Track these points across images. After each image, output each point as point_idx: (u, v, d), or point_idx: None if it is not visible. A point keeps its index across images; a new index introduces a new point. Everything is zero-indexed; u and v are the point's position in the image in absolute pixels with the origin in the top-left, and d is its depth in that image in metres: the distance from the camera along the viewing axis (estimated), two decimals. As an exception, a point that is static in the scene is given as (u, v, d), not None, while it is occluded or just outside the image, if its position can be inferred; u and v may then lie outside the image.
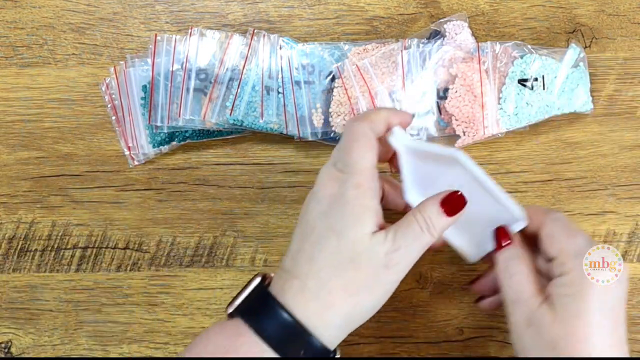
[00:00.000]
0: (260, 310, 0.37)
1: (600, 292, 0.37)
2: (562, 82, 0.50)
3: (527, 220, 0.41)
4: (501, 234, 0.41)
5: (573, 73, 0.50)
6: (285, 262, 0.39)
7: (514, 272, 0.40)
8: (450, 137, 0.51)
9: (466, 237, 0.43)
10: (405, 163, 0.42)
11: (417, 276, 0.52)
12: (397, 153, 0.42)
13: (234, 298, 0.39)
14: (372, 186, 0.38)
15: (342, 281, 0.36)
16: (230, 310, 0.38)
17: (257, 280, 0.39)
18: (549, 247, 0.40)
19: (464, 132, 0.50)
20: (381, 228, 0.38)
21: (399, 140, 0.42)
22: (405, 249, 0.37)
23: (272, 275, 0.40)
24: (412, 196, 0.42)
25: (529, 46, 0.50)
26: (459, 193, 0.38)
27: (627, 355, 0.37)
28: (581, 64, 0.50)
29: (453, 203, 0.38)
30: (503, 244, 0.41)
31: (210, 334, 0.37)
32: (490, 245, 0.42)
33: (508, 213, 0.42)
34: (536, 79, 0.49)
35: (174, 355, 0.52)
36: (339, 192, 0.37)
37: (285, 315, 0.36)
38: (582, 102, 0.50)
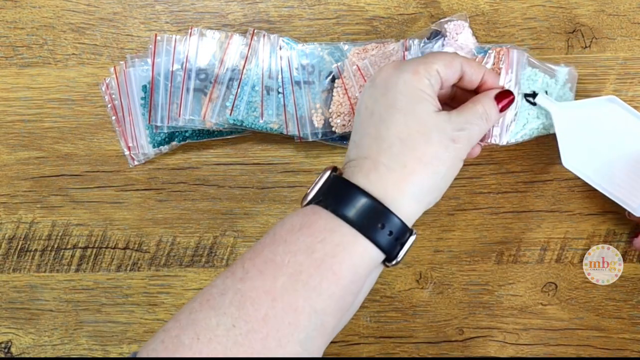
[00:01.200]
0: (335, 194, 0.37)
1: None
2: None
3: None
4: None
5: (564, 94, 0.49)
6: (349, 154, 0.39)
7: None
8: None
9: (627, 188, 0.43)
10: (559, 125, 0.43)
11: (417, 276, 0.52)
12: (550, 114, 0.44)
13: (306, 193, 0.38)
14: (432, 81, 0.39)
15: (416, 153, 0.37)
16: (304, 203, 0.38)
17: (327, 172, 0.39)
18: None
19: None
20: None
21: (547, 102, 0.44)
22: (468, 130, 0.39)
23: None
24: (571, 162, 0.44)
25: (530, 58, 0.48)
26: (507, 90, 0.42)
27: None
28: (569, 88, 0.49)
29: (504, 98, 0.41)
30: None
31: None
32: None
33: None
34: (536, 94, 0.47)
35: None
36: (396, 75, 0.38)
37: (359, 193, 0.36)
38: None
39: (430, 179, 0.37)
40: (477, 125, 0.40)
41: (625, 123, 0.43)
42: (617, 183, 0.43)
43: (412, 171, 0.37)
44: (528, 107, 0.47)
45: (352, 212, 0.35)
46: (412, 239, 0.38)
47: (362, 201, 0.36)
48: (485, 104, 0.40)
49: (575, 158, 0.44)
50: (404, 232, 0.37)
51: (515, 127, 0.48)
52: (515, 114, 0.46)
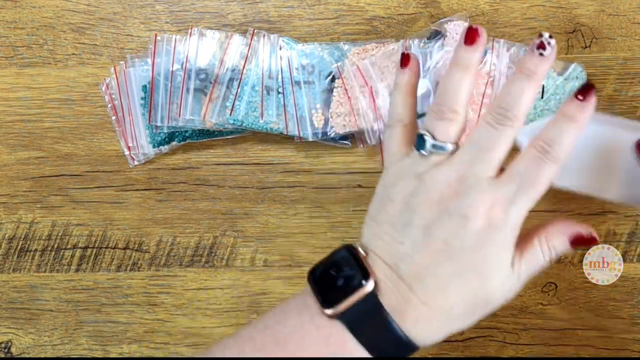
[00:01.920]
0: (378, 332, 0.33)
1: None
2: (558, 96, 0.49)
3: None
4: None
5: (571, 88, 0.49)
6: (400, 264, 0.34)
7: None
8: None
9: (623, 184, 0.41)
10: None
11: (417, 276, 0.52)
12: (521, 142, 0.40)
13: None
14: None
15: (470, 320, 0.34)
16: (331, 312, 0.33)
17: (370, 287, 0.33)
18: None
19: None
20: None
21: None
22: (525, 277, 0.35)
23: (370, 265, 0.35)
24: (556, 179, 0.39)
25: None
26: (592, 234, 0.36)
27: None
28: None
29: (584, 242, 0.36)
30: None
31: (306, 336, 0.34)
32: None
33: None
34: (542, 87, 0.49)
35: (174, 355, 0.52)
36: (497, 228, 0.33)
37: (409, 344, 0.33)
38: None
39: (460, 327, 0.35)
40: (538, 269, 0.35)
41: (595, 129, 0.40)
42: (615, 187, 0.42)
43: (453, 326, 0.34)
44: None
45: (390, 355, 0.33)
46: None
47: (406, 349, 0.33)
48: (554, 243, 0.35)
49: (562, 175, 0.39)
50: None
51: None
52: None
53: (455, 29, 0.51)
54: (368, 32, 0.52)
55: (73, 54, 0.53)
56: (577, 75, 0.50)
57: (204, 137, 0.52)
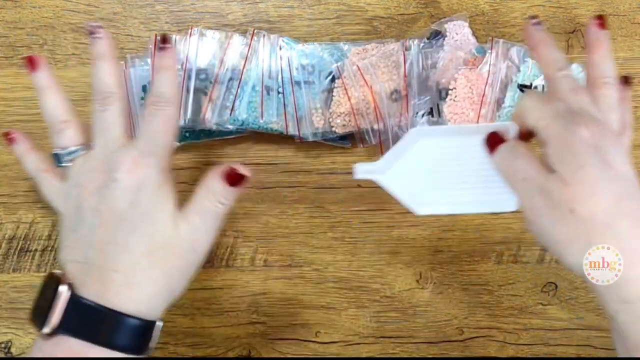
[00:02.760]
0: (96, 323, 0.36)
1: (588, 143, 0.35)
2: None
3: (514, 125, 0.39)
4: (492, 139, 0.39)
5: None
6: (88, 254, 0.37)
7: (516, 155, 0.37)
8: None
9: (492, 195, 0.41)
10: (389, 185, 0.42)
11: (417, 276, 0.52)
12: (378, 183, 0.42)
13: (39, 312, 0.36)
14: (170, 169, 0.39)
15: (161, 267, 0.37)
16: (47, 329, 0.35)
17: (64, 291, 0.36)
18: (528, 121, 0.38)
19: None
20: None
21: (364, 173, 0.42)
22: (204, 227, 0.38)
23: (63, 273, 0.37)
24: (424, 208, 0.42)
25: None
26: (237, 169, 0.38)
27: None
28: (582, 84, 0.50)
29: (234, 177, 0.38)
30: (496, 146, 0.39)
31: (48, 357, 0.36)
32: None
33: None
34: (535, 87, 0.49)
35: (174, 355, 0.52)
36: (147, 177, 0.38)
37: (135, 321, 0.36)
38: None
39: (174, 292, 0.38)
40: (211, 215, 0.38)
41: (444, 143, 0.42)
42: (480, 197, 0.42)
43: (160, 289, 0.37)
44: (520, 96, 0.48)
45: (127, 340, 0.36)
46: (157, 328, 0.38)
47: (130, 325, 0.36)
48: (213, 187, 0.38)
49: (425, 202, 0.42)
50: (148, 327, 0.37)
51: (506, 113, 0.49)
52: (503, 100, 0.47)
53: (456, 29, 0.51)
54: (368, 32, 0.52)
55: (73, 54, 0.53)
56: (576, 75, 0.50)
57: (204, 137, 0.52)
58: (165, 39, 0.40)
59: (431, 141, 0.42)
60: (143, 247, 0.37)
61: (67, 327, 0.35)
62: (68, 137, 0.41)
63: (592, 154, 0.35)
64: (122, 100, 0.40)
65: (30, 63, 0.42)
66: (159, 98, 0.39)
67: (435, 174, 0.42)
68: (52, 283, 0.36)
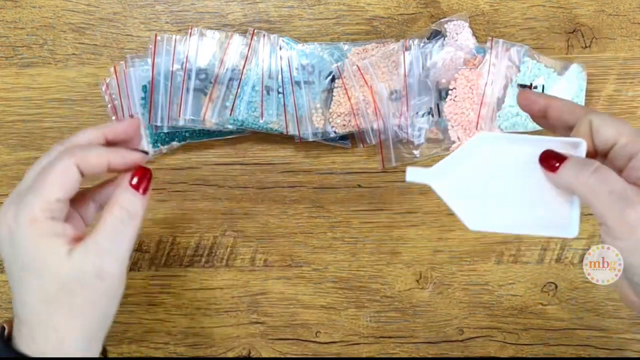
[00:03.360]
0: None
1: None
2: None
3: (584, 141, 0.36)
4: (548, 158, 0.36)
5: (571, 88, 0.50)
6: (14, 305, 0.36)
7: (592, 169, 0.34)
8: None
9: (551, 217, 0.39)
10: (443, 192, 0.39)
11: (417, 276, 0.52)
12: (433, 190, 0.38)
13: None
14: (55, 215, 0.35)
15: (62, 312, 0.34)
16: None
17: None
18: (605, 136, 0.35)
19: (458, 138, 0.50)
20: (79, 239, 0.35)
21: (420, 175, 0.38)
22: (115, 248, 0.35)
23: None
24: (479, 222, 0.39)
25: (536, 54, 0.50)
26: (140, 168, 0.36)
27: None
28: (583, 84, 0.50)
29: (140, 178, 0.35)
30: (556, 164, 0.36)
31: None
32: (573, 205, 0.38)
33: (567, 147, 0.37)
34: (535, 87, 0.49)
35: (174, 356, 0.52)
36: (16, 232, 0.34)
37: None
38: None
39: (89, 330, 0.35)
40: (122, 234, 0.35)
41: (508, 153, 0.39)
42: (539, 218, 0.39)
43: (66, 334, 0.35)
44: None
45: None
46: None
47: None
48: (120, 200, 0.35)
49: (481, 217, 0.39)
50: None
51: (506, 113, 0.49)
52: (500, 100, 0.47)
53: (456, 29, 0.51)
54: (368, 32, 0.52)
55: (73, 54, 0.53)
56: (577, 75, 0.50)
57: (204, 137, 0.52)
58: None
59: (496, 149, 0.39)
60: (36, 300, 0.34)
61: None
62: None
63: None
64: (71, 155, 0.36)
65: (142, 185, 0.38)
66: (64, 144, 0.36)
67: (496, 187, 0.39)
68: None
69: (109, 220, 0.35)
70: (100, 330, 0.36)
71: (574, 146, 0.37)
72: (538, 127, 0.50)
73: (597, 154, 0.36)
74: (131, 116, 0.41)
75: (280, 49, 0.50)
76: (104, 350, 0.39)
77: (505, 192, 0.39)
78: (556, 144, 0.37)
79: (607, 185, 0.33)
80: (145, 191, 0.36)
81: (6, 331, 0.36)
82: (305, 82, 0.50)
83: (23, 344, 0.35)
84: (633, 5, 0.51)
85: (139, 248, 0.52)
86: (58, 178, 0.34)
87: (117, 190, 0.36)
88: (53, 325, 0.34)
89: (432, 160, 0.51)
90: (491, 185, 0.39)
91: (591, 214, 0.51)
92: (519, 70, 0.49)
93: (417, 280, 0.52)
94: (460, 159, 0.39)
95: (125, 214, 0.35)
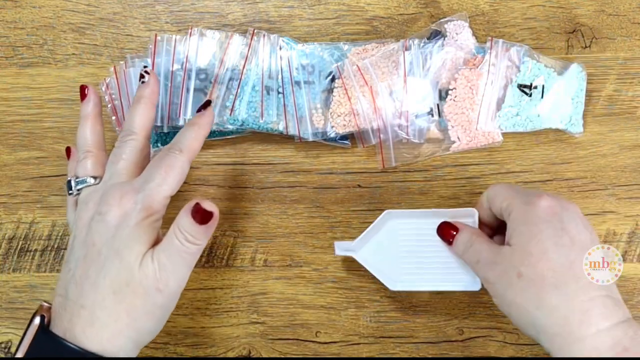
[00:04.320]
0: (58, 357, 0.36)
1: (546, 213, 0.38)
2: (557, 97, 0.49)
3: (476, 211, 0.45)
4: (445, 231, 0.45)
5: (571, 88, 0.50)
6: (69, 288, 0.38)
7: (472, 242, 0.43)
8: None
9: (459, 275, 0.47)
10: (366, 262, 0.48)
11: (417, 276, 0.52)
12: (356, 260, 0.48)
13: (17, 348, 0.38)
14: (160, 208, 0.39)
15: (125, 306, 0.37)
16: (19, 354, 0.37)
17: (37, 321, 0.38)
18: (495, 203, 0.42)
19: (458, 138, 0.50)
20: (159, 240, 0.39)
21: (342, 250, 0.48)
22: (171, 267, 0.37)
23: (50, 306, 0.39)
24: (399, 284, 0.48)
25: (536, 54, 0.50)
26: (203, 206, 0.37)
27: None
28: (583, 84, 0.50)
29: (201, 213, 0.37)
30: (451, 239, 0.44)
31: None
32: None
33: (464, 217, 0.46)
34: (535, 87, 0.49)
35: (174, 356, 0.52)
36: (128, 213, 0.38)
37: (81, 353, 0.36)
38: (574, 121, 0.50)
39: (139, 334, 0.38)
40: (181, 255, 0.38)
41: (414, 225, 0.47)
42: (448, 275, 0.47)
43: (123, 328, 0.37)
44: (520, 96, 0.48)
45: None
46: None
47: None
48: (182, 224, 0.38)
49: (397, 279, 0.48)
50: None
51: (506, 113, 0.49)
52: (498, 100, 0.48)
53: (456, 29, 0.51)
54: (368, 32, 0.52)
55: (73, 54, 0.53)
56: (577, 75, 0.50)
57: (204, 137, 0.52)
58: (206, 105, 0.43)
59: (400, 223, 0.47)
60: (108, 285, 0.37)
61: (33, 355, 0.36)
62: (84, 167, 0.42)
63: (549, 223, 0.38)
64: (141, 141, 0.42)
65: (81, 92, 0.44)
66: (176, 146, 0.40)
67: (406, 254, 0.48)
68: (35, 312, 0.38)
69: (172, 241, 0.38)
70: (147, 339, 0.38)
71: (470, 215, 0.46)
72: (538, 127, 0.50)
73: (497, 219, 0.44)
74: (146, 72, 0.44)
75: (280, 49, 0.50)
76: None
77: (416, 257, 0.48)
78: (452, 215, 0.46)
79: (476, 257, 0.42)
80: (203, 223, 0.37)
81: (45, 319, 0.38)
82: (305, 82, 0.50)
83: (78, 329, 0.36)
84: (633, 5, 0.51)
85: (139, 248, 0.52)
86: (177, 175, 0.39)
87: (181, 215, 0.38)
88: (115, 315, 0.36)
89: (433, 160, 0.51)
90: (403, 253, 0.47)
91: (592, 214, 0.51)
92: (519, 70, 0.49)
93: (417, 280, 0.52)
94: (376, 232, 0.48)
95: (184, 239, 0.38)
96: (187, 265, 0.38)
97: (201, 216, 0.37)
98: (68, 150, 0.47)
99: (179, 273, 0.38)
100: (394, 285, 0.48)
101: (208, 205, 0.37)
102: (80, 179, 0.42)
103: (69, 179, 0.43)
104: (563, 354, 0.36)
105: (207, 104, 0.43)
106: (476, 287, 0.47)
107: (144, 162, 0.42)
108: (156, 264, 0.37)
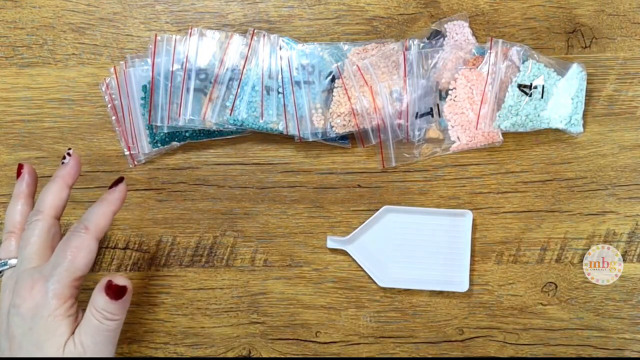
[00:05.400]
0: None
1: None
2: (557, 97, 0.49)
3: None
4: None
5: (571, 88, 0.50)
6: None
7: None
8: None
9: (446, 274, 0.50)
10: (358, 257, 0.50)
11: (417, 276, 0.52)
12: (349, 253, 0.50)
13: None
14: (73, 292, 0.39)
15: None
16: None
17: None
18: None
19: (458, 138, 0.50)
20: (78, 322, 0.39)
21: (335, 243, 0.50)
22: (95, 347, 0.38)
23: None
24: (387, 281, 0.50)
25: (536, 54, 0.50)
26: (115, 281, 0.38)
27: None
28: (583, 83, 0.50)
29: (114, 289, 0.38)
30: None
31: None
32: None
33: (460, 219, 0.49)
34: (535, 87, 0.49)
35: (174, 356, 0.52)
36: (41, 305, 0.37)
37: None
38: (574, 121, 0.50)
39: None
40: (100, 331, 0.38)
41: (408, 222, 0.50)
42: (437, 276, 0.49)
43: None
44: (520, 96, 0.48)
45: None
46: None
47: None
48: (97, 303, 0.38)
49: (387, 276, 0.50)
50: None
51: (506, 113, 0.49)
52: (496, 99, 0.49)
53: (456, 29, 0.51)
54: (368, 32, 0.52)
55: (73, 54, 0.53)
56: (577, 75, 0.50)
57: (204, 137, 0.52)
58: (118, 181, 0.42)
59: (396, 219, 0.49)
60: None
61: None
62: (6, 249, 0.42)
63: None
64: (48, 221, 0.41)
65: (18, 170, 0.45)
66: (82, 224, 0.39)
67: (398, 251, 0.49)
68: None
69: (90, 320, 0.38)
70: None
71: (462, 215, 0.49)
72: (538, 127, 0.50)
73: None
74: (68, 154, 0.44)
75: (280, 49, 0.50)
76: None
77: (409, 255, 0.50)
78: (447, 215, 0.49)
79: None
80: (118, 298, 0.38)
81: None
82: (305, 82, 0.50)
83: None
84: (633, 5, 0.51)
85: (139, 248, 0.52)
86: (85, 257, 0.38)
87: (95, 294, 0.38)
88: None
89: (433, 160, 0.51)
90: (397, 249, 0.49)
91: (592, 214, 0.51)
92: (519, 70, 0.49)
93: (417, 280, 0.52)
94: (371, 226, 0.49)
95: (101, 317, 0.38)
96: (111, 341, 0.39)
97: (114, 292, 0.38)
98: (20, 168, 0.46)
99: (105, 351, 0.38)
100: (383, 282, 0.49)
101: (120, 281, 0.38)
102: (2, 261, 0.42)
103: None
104: None
105: (120, 180, 0.43)
106: (464, 288, 0.49)
107: (54, 241, 0.41)
108: (80, 348, 0.37)
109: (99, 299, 0.38)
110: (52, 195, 0.42)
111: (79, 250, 0.38)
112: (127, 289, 0.38)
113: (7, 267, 0.41)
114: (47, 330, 0.37)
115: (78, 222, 0.40)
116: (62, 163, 0.43)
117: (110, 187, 0.42)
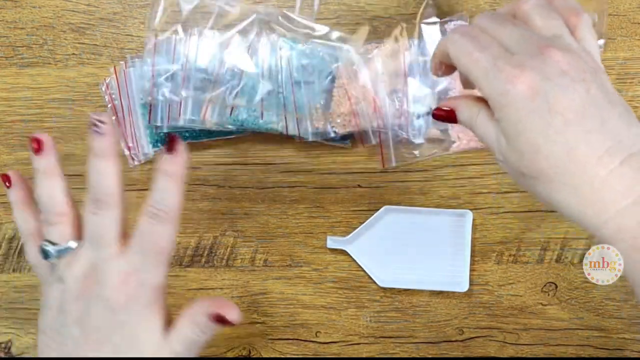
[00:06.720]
0: None
1: (526, 98, 0.31)
2: None
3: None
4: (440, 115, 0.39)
5: None
6: None
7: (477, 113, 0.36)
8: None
9: (447, 275, 0.51)
10: (358, 257, 0.50)
11: (417, 276, 0.52)
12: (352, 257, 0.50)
13: None
14: (164, 281, 0.37)
15: None
16: None
17: None
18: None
19: (458, 138, 0.50)
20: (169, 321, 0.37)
21: (335, 243, 0.50)
22: (187, 352, 0.36)
23: None
24: (387, 281, 0.50)
25: None
26: (231, 318, 0.36)
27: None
28: None
29: (221, 320, 0.36)
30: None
31: None
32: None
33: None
34: None
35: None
36: (136, 295, 0.35)
37: None
38: None
39: None
40: (194, 344, 0.36)
41: (408, 222, 0.50)
42: (438, 276, 0.50)
43: None
44: None
45: None
46: None
47: None
48: (198, 320, 0.36)
49: (388, 276, 0.50)
50: None
51: None
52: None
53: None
54: (368, 32, 0.52)
55: (73, 54, 0.53)
56: None
57: (204, 137, 0.52)
58: (173, 140, 0.35)
59: (396, 219, 0.50)
60: None
61: None
62: (59, 233, 0.37)
63: (532, 111, 0.32)
64: (120, 205, 0.36)
65: (36, 144, 0.38)
66: (162, 210, 0.35)
67: (399, 251, 0.50)
68: None
69: (183, 330, 0.36)
70: None
71: (462, 215, 0.50)
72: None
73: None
74: (100, 121, 0.36)
75: (280, 49, 0.50)
76: None
77: (409, 255, 0.50)
78: (447, 215, 0.50)
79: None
80: (220, 324, 0.36)
81: None
82: (305, 82, 0.50)
83: None
84: (633, 5, 0.51)
85: (139, 248, 0.52)
86: (172, 243, 0.36)
87: (198, 311, 0.37)
88: None
89: (433, 160, 0.51)
90: (396, 250, 0.50)
91: (591, 214, 0.51)
92: None
93: (417, 280, 0.52)
94: (371, 226, 0.50)
95: (199, 332, 0.36)
96: (199, 351, 0.37)
97: (221, 321, 0.36)
98: (4, 177, 0.41)
99: (191, 355, 0.37)
100: (383, 282, 0.50)
101: (232, 315, 0.36)
102: (58, 247, 0.37)
103: (42, 246, 0.37)
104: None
105: (174, 140, 0.35)
106: (464, 288, 0.49)
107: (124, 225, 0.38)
108: (173, 354, 0.36)
109: (202, 319, 0.36)
110: (111, 176, 0.36)
111: (162, 238, 0.35)
112: (234, 323, 0.36)
113: (71, 251, 0.37)
114: (143, 324, 0.35)
115: (151, 204, 0.35)
116: (96, 132, 0.35)
117: (168, 150, 0.35)
